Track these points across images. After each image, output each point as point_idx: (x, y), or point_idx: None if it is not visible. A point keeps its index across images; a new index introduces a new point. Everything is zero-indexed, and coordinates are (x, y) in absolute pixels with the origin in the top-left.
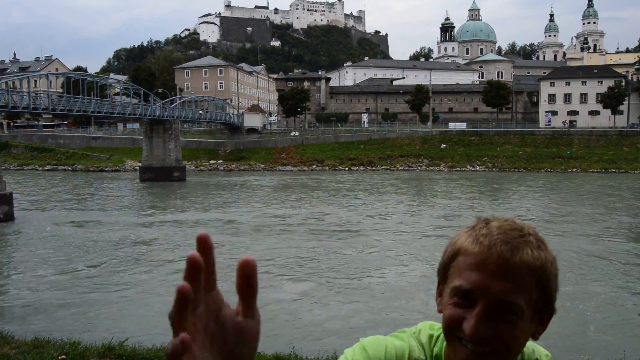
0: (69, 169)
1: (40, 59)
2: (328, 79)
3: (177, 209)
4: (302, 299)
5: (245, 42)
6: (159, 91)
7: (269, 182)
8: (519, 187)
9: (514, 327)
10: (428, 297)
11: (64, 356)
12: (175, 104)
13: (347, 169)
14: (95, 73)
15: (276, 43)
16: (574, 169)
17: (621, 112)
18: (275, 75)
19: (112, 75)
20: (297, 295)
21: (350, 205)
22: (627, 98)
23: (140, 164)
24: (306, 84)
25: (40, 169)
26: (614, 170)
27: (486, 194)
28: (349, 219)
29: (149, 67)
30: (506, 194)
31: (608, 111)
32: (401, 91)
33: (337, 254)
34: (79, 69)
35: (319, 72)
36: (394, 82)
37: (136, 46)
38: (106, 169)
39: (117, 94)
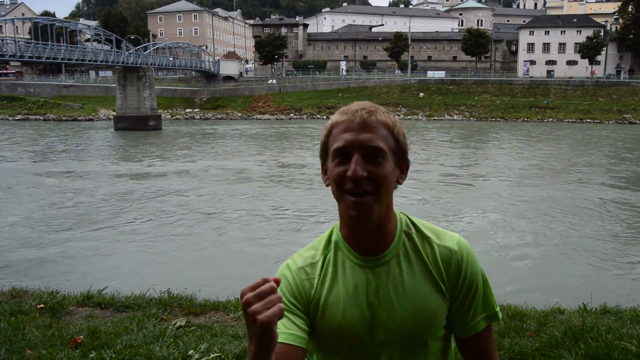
0: (41, 118)
1: (5, 2)
2: (306, 25)
3: (154, 159)
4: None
5: None
6: (132, 37)
7: (251, 131)
8: (502, 138)
9: (382, 166)
10: None
11: (42, 305)
12: (148, 51)
13: (325, 117)
14: (64, 18)
15: None
16: (550, 119)
17: (598, 63)
18: (251, 21)
19: (82, 20)
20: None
21: None
22: (605, 48)
23: (115, 113)
24: (283, 30)
25: (10, 118)
26: (588, 121)
27: (490, 145)
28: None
29: (121, 12)
30: (505, 142)
31: (586, 61)
32: (380, 39)
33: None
34: (46, 13)
35: (297, 18)
36: (373, 29)
37: None
38: (79, 118)
39: (88, 40)
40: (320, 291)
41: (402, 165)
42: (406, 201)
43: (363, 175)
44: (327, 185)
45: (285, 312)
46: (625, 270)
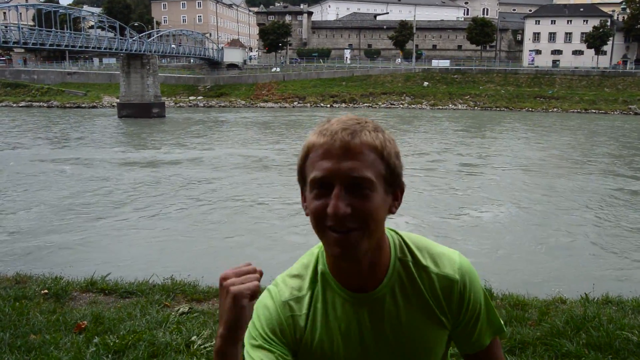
0: (45, 105)
1: None
2: (310, 13)
3: (157, 147)
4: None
5: None
6: (136, 25)
7: (261, 119)
8: (507, 129)
9: (369, 199)
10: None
11: (46, 290)
12: (152, 38)
13: (329, 106)
14: (68, 5)
15: None
16: (555, 109)
17: (605, 53)
18: (255, 9)
19: (85, 7)
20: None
21: None
22: (611, 38)
23: (118, 100)
24: (288, 18)
25: (14, 105)
26: (594, 111)
27: (494, 133)
28: None
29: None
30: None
31: (592, 51)
32: (385, 27)
33: None
34: (50, 0)
35: (301, 6)
36: (378, 18)
37: None
38: (83, 105)
39: (92, 27)
40: (308, 332)
41: (396, 191)
42: (433, 189)
43: (346, 212)
44: (306, 215)
45: (260, 347)
46: (628, 261)
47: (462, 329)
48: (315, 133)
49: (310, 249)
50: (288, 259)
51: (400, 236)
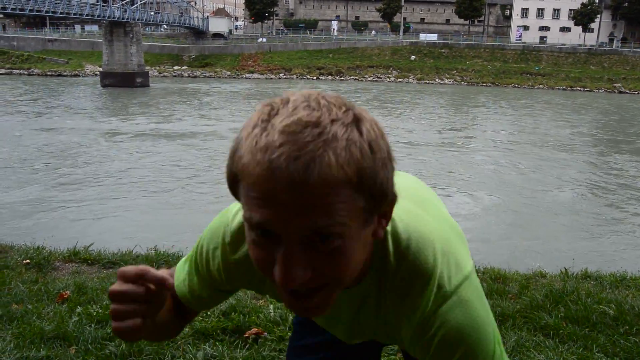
0: (25, 73)
1: None
2: None
3: (141, 118)
4: None
5: None
6: None
7: (240, 89)
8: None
9: (340, 253)
10: None
11: (28, 260)
12: (136, 5)
13: (315, 78)
14: None
15: None
16: (541, 85)
17: (592, 30)
18: None
19: None
20: None
21: None
22: (598, 16)
23: (101, 69)
24: None
25: None
26: (579, 89)
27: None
28: None
29: None
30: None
31: (579, 28)
32: None
33: None
34: None
35: None
36: None
37: None
38: (65, 73)
39: None
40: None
41: (385, 209)
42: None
43: (304, 279)
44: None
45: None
46: (608, 236)
47: None
48: (247, 139)
49: (224, 212)
50: None
51: (397, 241)
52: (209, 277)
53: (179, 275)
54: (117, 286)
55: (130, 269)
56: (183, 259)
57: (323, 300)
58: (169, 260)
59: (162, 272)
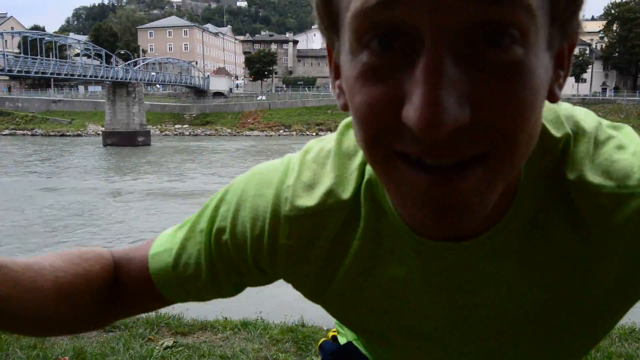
0: (29, 133)
1: None
2: (296, 42)
3: (140, 175)
4: None
5: (211, 2)
6: (122, 52)
7: (244, 147)
8: None
9: (516, 71)
10: None
11: None
12: (138, 66)
13: (314, 134)
14: (54, 33)
15: (243, 3)
16: None
17: (584, 80)
18: (241, 37)
19: (71, 35)
20: None
21: None
22: (590, 66)
23: (103, 129)
24: (273, 46)
25: None
26: None
27: None
28: None
29: (111, 27)
30: None
31: (572, 79)
32: None
33: None
34: (36, 28)
35: (287, 35)
36: None
37: (97, 4)
38: (68, 133)
39: (78, 55)
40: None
41: (562, 43)
42: None
43: (461, 120)
44: (341, 109)
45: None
46: None
47: None
48: None
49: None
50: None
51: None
52: (229, 253)
53: (162, 244)
54: None
55: None
56: (172, 228)
57: (484, 184)
58: (169, 323)
59: (123, 250)
